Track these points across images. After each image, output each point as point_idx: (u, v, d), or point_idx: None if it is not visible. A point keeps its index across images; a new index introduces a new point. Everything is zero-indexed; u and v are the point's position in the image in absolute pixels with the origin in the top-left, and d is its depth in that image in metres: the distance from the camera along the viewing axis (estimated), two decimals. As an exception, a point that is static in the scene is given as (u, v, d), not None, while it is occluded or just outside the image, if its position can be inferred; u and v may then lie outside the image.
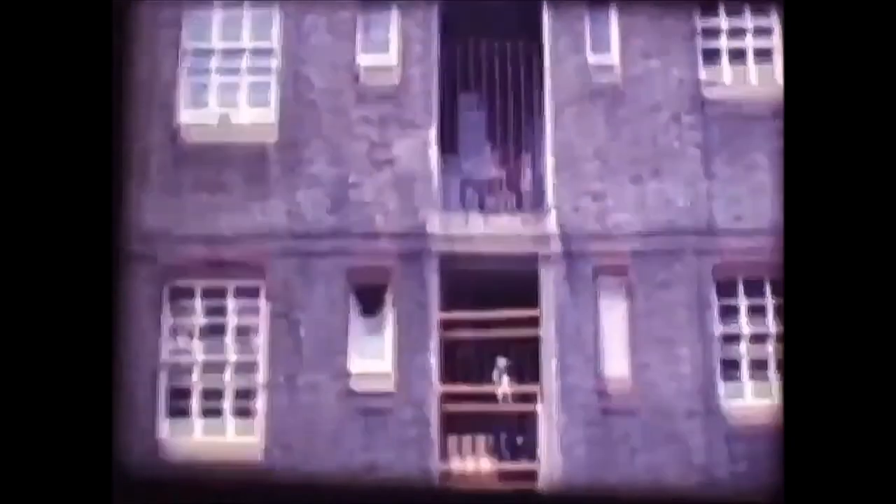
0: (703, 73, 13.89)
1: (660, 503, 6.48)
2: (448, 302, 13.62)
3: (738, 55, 13.74)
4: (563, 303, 13.50)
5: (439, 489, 6.51)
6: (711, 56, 13.94)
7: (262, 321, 13.53)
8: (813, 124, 4.53)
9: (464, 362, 13.95)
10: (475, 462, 13.66)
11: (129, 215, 11.33)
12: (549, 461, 13.14)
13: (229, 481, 6.06)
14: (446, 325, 13.59)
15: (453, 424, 13.53)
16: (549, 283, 13.58)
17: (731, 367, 13.51)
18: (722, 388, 13.40)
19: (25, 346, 4.52)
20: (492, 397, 13.64)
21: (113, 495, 4.42)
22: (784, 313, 4.76)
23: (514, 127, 14.54)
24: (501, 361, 13.74)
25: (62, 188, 4.57)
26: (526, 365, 13.74)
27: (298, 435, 13.09)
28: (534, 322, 13.51)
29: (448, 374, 13.56)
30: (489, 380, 13.81)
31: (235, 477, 12.59)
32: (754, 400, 13.12)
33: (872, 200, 4.54)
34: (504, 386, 13.72)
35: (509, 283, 13.40)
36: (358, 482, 6.09)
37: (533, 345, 13.53)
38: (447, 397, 13.38)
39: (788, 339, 4.59)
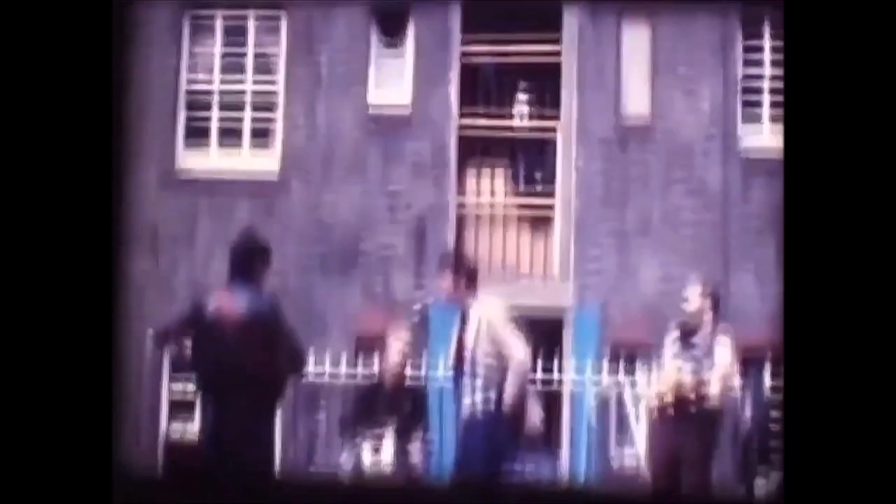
0: None
1: (659, 503, 6.76)
2: (469, 30, 13.82)
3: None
4: (586, 36, 13.69)
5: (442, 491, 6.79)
6: None
7: (283, 51, 13.83)
8: (813, 125, 4.58)
9: (484, 90, 14.25)
10: (492, 192, 14.19)
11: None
12: (566, 193, 13.63)
13: (232, 484, 6.17)
14: (467, 53, 13.84)
15: (472, 154, 13.97)
16: (573, 17, 13.74)
17: (751, 107, 13.80)
18: (741, 127, 13.73)
19: (25, 346, 4.49)
20: (511, 127, 14.04)
21: (113, 495, 4.50)
22: (784, 313, 4.71)
23: None
24: (522, 94, 14.06)
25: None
26: (546, 97, 14.05)
27: (316, 161, 13.60)
28: (555, 55, 13.75)
29: (468, 103, 13.91)
30: (509, 108, 14.16)
31: (251, 192, 13.10)
32: (772, 140, 13.40)
33: (873, 200, 4.55)
34: (524, 115, 14.09)
35: (532, 15, 13.57)
36: (363, 484, 6.33)
37: (554, 76, 13.80)
38: (466, 126, 13.78)
39: (789, 339, 4.64)
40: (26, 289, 4.44)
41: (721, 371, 8.61)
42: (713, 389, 8.55)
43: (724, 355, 8.64)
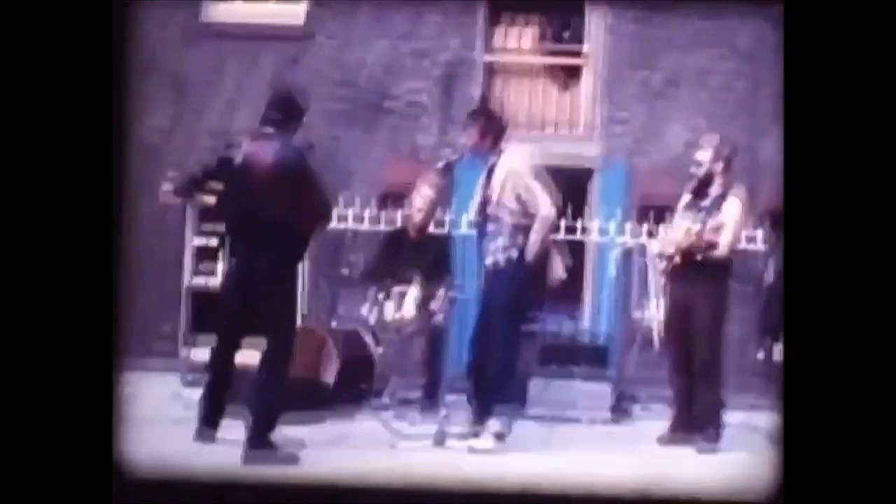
0: None
1: (659, 503, 6.90)
2: None
3: None
4: None
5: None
6: None
7: None
8: (814, 126, 4.65)
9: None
10: (520, 46, 14.19)
11: None
12: (595, 49, 13.65)
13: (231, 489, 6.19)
14: None
15: (502, 8, 13.93)
16: None
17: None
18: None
19: (24, 346, 4.51)
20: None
21: (113, 495, 4.49)
22: (784, 313, 4.73)
23: None
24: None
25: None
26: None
27: (343, 13, 13.59)
28: None
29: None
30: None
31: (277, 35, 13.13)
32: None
33: (874, 200, 4.63)
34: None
35: None
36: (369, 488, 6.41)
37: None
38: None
39: (789, 340, 4.72)
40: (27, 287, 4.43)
41: (727, 223, 8.83)
42: (720, 240, 8.77)
43: (732, 211, 8.89)
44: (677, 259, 8.94)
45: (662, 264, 9.17)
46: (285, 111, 7.78)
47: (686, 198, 9.16)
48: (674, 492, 6.84)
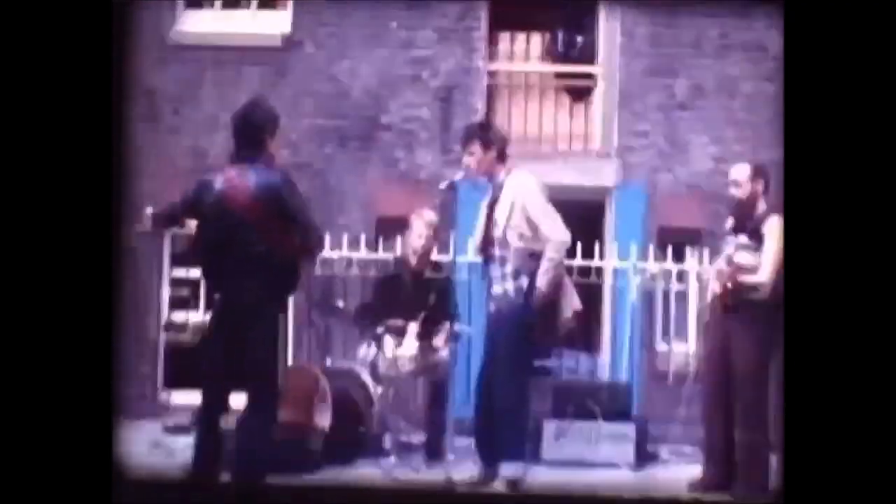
0: None
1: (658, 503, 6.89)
2: None
3: None
4: None
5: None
6: None
7: None
8: (814, 126, 4.78)
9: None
10: (527, 57, 14.16)
11: None
12: (610, 59, 13.60)
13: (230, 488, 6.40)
14: None
15: (505, 15, 13.89)
16: None
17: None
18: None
19: (24, 342, 4.75)
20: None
21: (113, 495, 4.75)
22: (784, 311, 5.01)
23: None
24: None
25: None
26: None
27: (332, 22, 13.54)
28: None
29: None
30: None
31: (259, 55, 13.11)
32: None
33: (875, 201, 4.80)
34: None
35: None
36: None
37: None
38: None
39: (789, 340, 4.91)
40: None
41: (771, 257, 8.62)
42: (763, 277, 8.57)
43: (774, 240, 8.57)
44: (720, 300, 8.76)
45: (702, 301, 9.01)
46: (257, 133, 7.63)
47: (729, 224, 8.94)
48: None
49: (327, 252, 11.47)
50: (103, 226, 4.85)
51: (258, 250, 7.37)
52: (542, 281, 8.38)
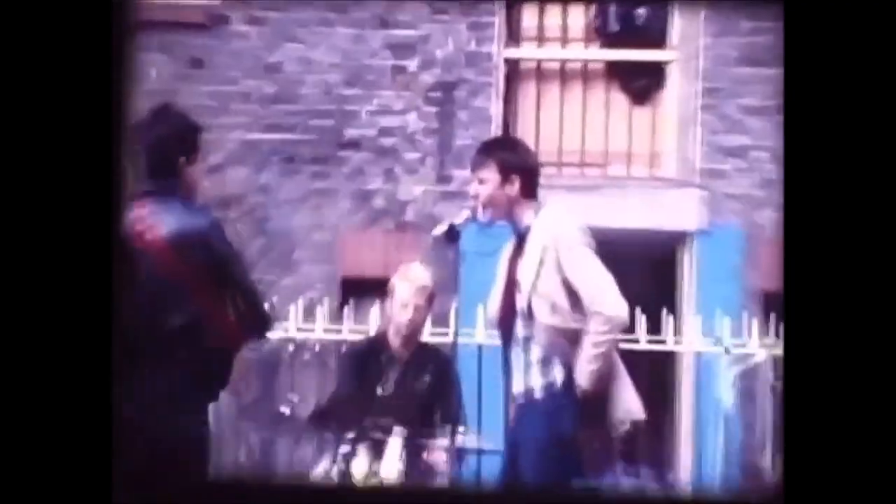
0: None
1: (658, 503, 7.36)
2: None
3: None
4: None
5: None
6: None
7: None
8: (814, 126, 6.00)
9: None
10: (564, 40, 14.38)
11: None
12: (685, 44, 13.82)
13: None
14: None
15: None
16: None
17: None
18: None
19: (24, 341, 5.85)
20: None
21: (112, 495, 5.86)
22: (784, 311, 6.05)
23: None
24: None
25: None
26: None
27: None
28: None
29: None
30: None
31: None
32: None
33: (875, 201, 5.96)
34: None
35: None
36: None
37: None
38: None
39: (789, 340, 6.01)
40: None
41: None
42: None
43: None
44: None
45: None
46: (162, 155, 7.67)
47: None
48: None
49: (272, 329, 11.65)
50: (103, 226, 5.94)
51: (175, 325, 7.48)
52: (584, 373, 8.41)
